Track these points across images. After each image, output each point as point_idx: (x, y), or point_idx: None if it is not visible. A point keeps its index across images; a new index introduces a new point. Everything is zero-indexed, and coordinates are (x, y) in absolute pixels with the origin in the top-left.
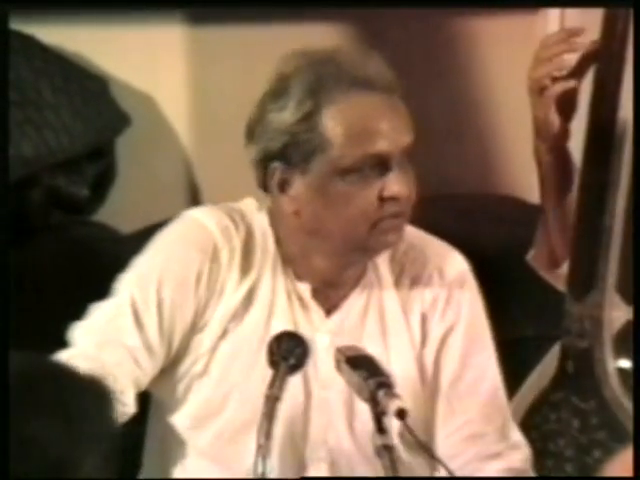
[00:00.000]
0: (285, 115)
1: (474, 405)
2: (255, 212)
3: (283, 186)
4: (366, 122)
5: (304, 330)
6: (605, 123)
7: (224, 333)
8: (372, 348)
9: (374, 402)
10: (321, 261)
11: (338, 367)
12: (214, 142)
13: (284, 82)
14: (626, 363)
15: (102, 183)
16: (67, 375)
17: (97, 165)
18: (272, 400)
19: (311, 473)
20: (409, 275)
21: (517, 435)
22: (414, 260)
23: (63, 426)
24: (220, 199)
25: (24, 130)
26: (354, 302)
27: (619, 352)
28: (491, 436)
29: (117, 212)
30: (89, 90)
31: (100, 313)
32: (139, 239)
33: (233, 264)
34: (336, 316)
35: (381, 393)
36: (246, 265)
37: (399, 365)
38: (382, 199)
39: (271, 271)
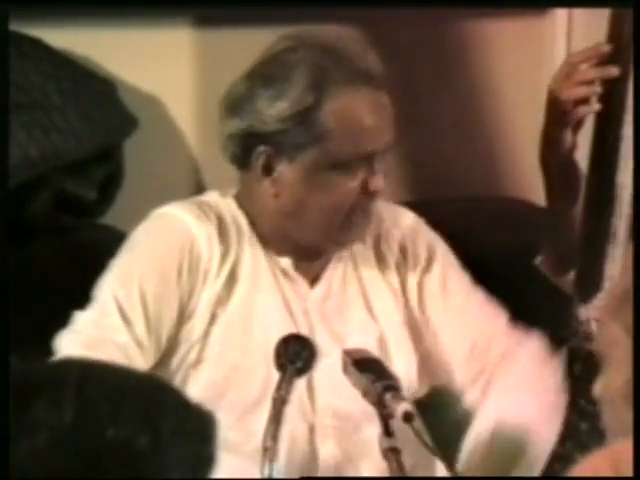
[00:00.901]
0: (282, 105)
1: (473, 323)
2: (220, 200)
3: (267, 169)
4: (360, 119)
5: (292, 302)
6: (612, 126)
7: (213, 318)
8: (357, 313)
9: (381, 405)
10: (300, 239)
11: (345, 370)
12: None
13: (283, 70)
14: None
15: (110, 186)
16: (160, 390)
17: (105, 168)
18: (279, 403)
19: (319, 441)
20: (371, 236)
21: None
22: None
23: (150, 437)
24: None
25: (31, 133)
26: (333, 271)
27: None
28: (500, 334)
29: (125, 215)
30: (97, 93)
31: (84, 317)
32: None
33: (213, 251)
34: (320, 286)
35: (388, 396)
36: (224, 249)
37: (386, 321)
38: (364, 192)
39: (250, 249)
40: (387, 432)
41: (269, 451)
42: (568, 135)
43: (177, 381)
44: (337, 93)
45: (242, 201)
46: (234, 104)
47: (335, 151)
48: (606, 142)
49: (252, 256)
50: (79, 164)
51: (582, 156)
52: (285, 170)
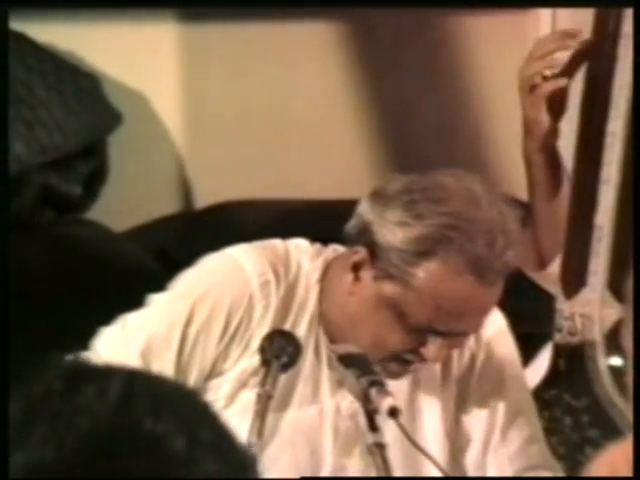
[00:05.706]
0: (401, 235)
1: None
2: (306, 261)
3: (357, 267)
4: (453, 306)
5: (325, 393)
6: (597, 122)
7: (244, 384)
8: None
9: (366, 400)
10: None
11: (330, 365)
12: (206, 140)
13: (422, 209)
14: (618, 361)
15: (94, 181)
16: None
17: (89, 163)
18: (265, 398)
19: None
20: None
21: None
22: None
23: (186, 441)
24: (212, 197)
25: (16, 128)
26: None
27: (611, 350)
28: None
29: (109, 210)
30: (81, 88)
31: (110, 333)
32: (131, 237)
33: (264, 321)
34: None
35: (373, 391)
36: (278, 322)
37: (431, 435)
38: (414, 350)
39: (306, 329)
40: (372, 427)
41: (254, 447)
42: (545, 116)
43: None
44: (449, 261)
45: (329, 272)
46: (380, 197)
47: (409, 311)
48: (591, 138)
49: (305, 337)
50: (64, 159)
51: (567, 154)
52: (367, 281)
